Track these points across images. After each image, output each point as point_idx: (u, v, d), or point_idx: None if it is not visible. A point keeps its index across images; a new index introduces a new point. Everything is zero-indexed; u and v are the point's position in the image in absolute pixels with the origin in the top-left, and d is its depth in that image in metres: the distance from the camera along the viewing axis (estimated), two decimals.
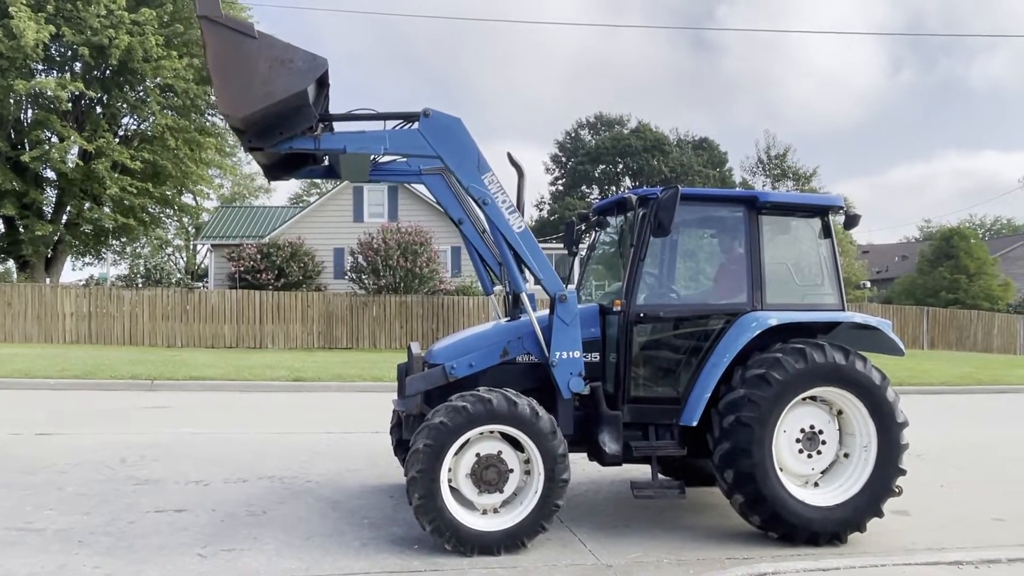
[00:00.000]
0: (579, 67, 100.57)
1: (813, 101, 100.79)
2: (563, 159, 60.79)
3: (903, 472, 5.42)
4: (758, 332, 5.37)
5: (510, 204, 5.28)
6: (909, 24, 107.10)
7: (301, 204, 42.73)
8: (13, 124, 24.01)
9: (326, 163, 5.64)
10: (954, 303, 37.10)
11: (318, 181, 62.79)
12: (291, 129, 4.88)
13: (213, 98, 5.16)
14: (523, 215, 5.93)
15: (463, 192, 5.29)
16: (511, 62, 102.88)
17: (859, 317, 5.74)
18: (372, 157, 5.21)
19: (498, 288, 6.17)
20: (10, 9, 20.58)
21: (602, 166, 58.03)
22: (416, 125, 5.14)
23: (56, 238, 25.58)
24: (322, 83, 5.00)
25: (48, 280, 25.35)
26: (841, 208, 5.96)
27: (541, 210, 60.34)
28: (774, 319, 5.43)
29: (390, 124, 5.25)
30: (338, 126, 5.34)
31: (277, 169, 5.59)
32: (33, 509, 5.65)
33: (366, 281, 24.45)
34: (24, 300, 21.67)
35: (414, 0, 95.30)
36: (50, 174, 25.19)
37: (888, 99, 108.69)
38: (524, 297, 5.34)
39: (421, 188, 29.58)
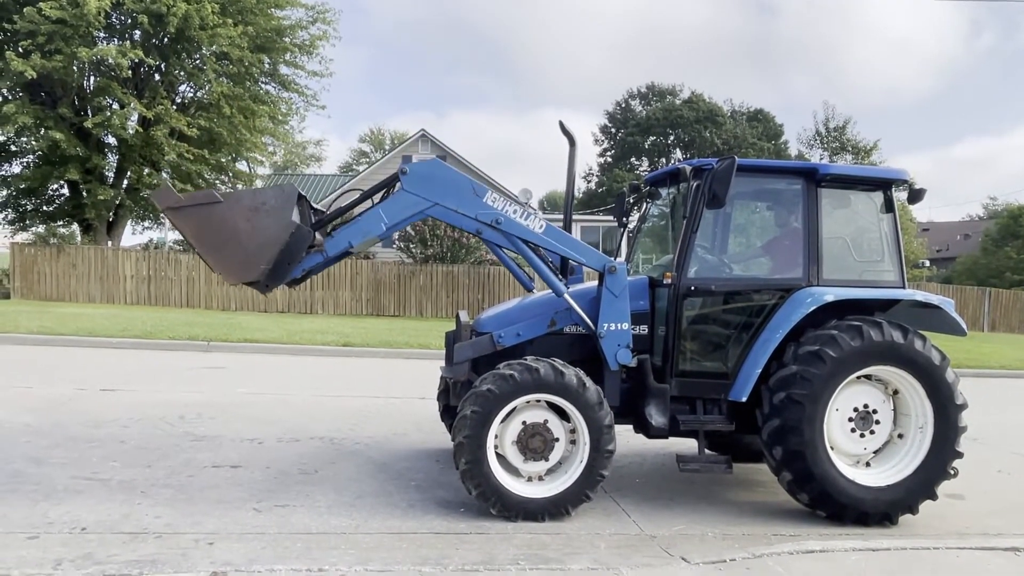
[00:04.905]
0: (632, 32, 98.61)
1: (878, 69, 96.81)
2: (612, 130, 59.87)
3: (959, 455, 5.28)
4: (813, 308, 5.25)
5: (522, 210, 5.25)
6: None
7: (351, 173, 43.18)
8: (77, 91, 24.72)
9: None
10: (1019, 284, 35.64)
11: (367, 149, 63.47)
12: (296, 257, 4.94)
13: (213, 265, 5.18)
14: (573, 185, 5.88)
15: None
16: (563, 27, 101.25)
17: (920, 295, 5.55)
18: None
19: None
20: None
21: (652, 137, 57.02)
22: (400, 186, 5.12)
23: (117, 202, 26.36)
24: (300, 198, 5.00)
25: (110, 243, 26.23)
26: (905, 182, 5.75)
27: (589, 182, 59.76)
28: (830, 295, 5.30)
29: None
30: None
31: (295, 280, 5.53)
32: (98, 460, 5.93)
33: (414, 250, 24.68)
34: (88, 262, 22.53)
35: None
36: (111, 140, 25.90)
37: (962, 67, 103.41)
38: (568, 298, 5.30)
39: (468, 156, 29.53)
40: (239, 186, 38.39)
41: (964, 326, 5.70)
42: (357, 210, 5.45)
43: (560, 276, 5.63)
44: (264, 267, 4.81)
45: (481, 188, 5.20)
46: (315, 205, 5.41)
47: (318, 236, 5.12)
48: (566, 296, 5.29)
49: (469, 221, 5.19)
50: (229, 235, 4.72)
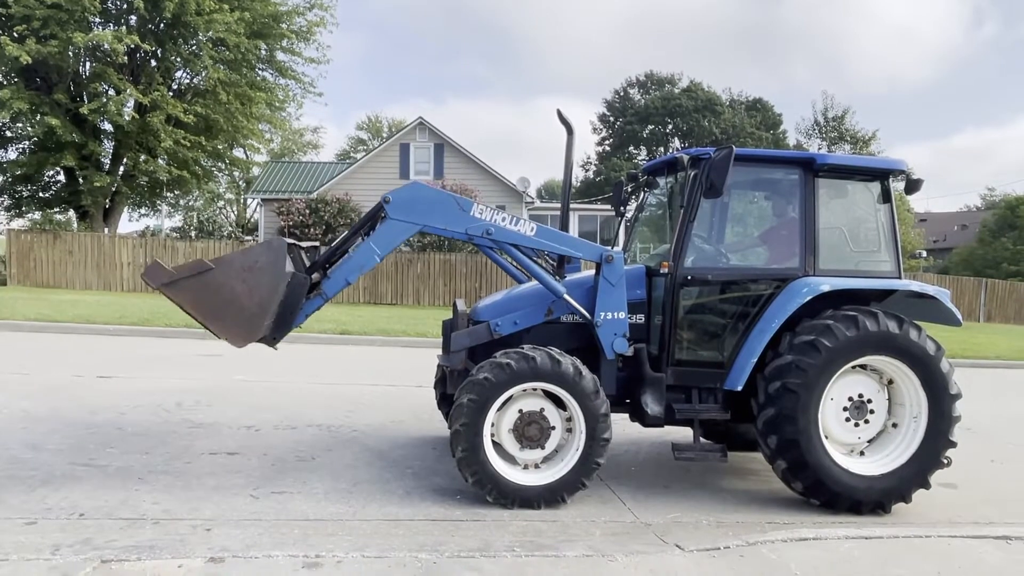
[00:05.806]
0: (632, 20, 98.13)
1: (878, 58, 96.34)
2: (611, 119, 59.71)
3: (953, 444, 5.31)
4: (809, 298, 5.26)
5: (510, 217, 5.26)
6: None
7: (348, 160, 43.04)
8: (72, 77, 24.58)
9: None
10: (1015, 275, 35.75)
11: (365, 137, 63.22)
12: (298, 305, 4.95)
13: (217, 332, 5.16)
14: (571, 174, 5.88)
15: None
16: (562, 15, 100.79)
17: (916, 285, 5.57)
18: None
19: None
20: None
21: (651, 126, 56.89)
22: (385, 214, 5.14)
23: (113, 189, 26.31)
24: (289, 247, 5.00)
25: (106, 230, 26.19)
26: (903, 172, 5.75)
27: (587, 171, 59.65)
28: (826, 285, 5.31)
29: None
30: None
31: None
32: (96, 447, 5.94)
33: (411, 239, 24.64)
34: (84, 249, 22.49)
35: None
36: (107, 126, 25.83)
37: (963, 56, 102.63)
38: (567, 297, 5.29)
39: (466, 145, 29.45)
40: (236, 173, 38.31)
41: (959, 317, 5.72)
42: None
43: (558, 273, 5.65)
44: (268, 322, 4.80)
45: (466, 202, 5.21)
46: (304, 244, 5.44)
47: (315, 276, 5.15)
48: (566, 297, 5.29)
49: (460, 235, 5.24)
50: (228, 298, 4.70)
